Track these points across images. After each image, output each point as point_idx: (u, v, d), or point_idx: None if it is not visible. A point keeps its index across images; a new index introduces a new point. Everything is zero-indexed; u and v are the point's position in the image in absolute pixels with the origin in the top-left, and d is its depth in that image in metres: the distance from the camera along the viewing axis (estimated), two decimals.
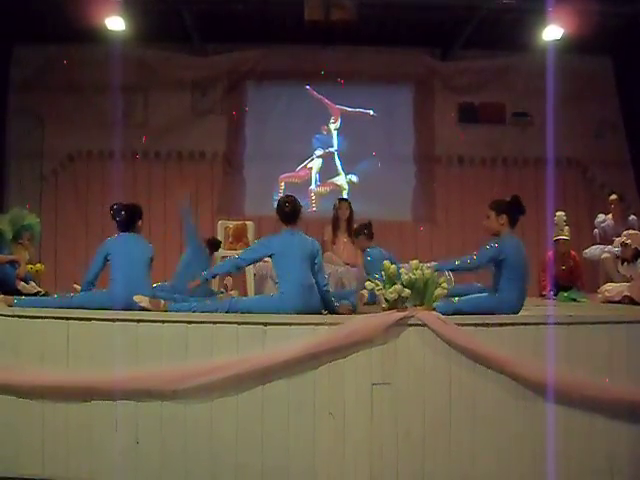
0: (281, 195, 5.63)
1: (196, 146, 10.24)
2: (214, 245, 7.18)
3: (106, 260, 5.26)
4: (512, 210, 5.16)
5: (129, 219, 5.39)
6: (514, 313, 4.91)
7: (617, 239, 7.33)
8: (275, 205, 5.28)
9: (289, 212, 5.18)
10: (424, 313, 4.59)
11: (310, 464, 4.51)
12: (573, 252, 8.16)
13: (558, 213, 8.08)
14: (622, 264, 7.01)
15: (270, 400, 4.54)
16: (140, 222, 5.46)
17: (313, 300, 5.05)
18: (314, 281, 5.10)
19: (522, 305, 5.05)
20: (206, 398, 4.52)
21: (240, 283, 7.86)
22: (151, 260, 5.38)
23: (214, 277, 5.92)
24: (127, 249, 5.26)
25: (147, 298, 4.98)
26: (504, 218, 5.12)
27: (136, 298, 4.95)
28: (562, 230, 8.02)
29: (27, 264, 6.98)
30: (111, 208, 5.41)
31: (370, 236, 6.77)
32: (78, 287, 5.59)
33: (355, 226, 7.21)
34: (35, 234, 7.49)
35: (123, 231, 5.36)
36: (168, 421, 4.56)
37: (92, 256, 5.32)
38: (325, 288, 5.24)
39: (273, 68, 10.23)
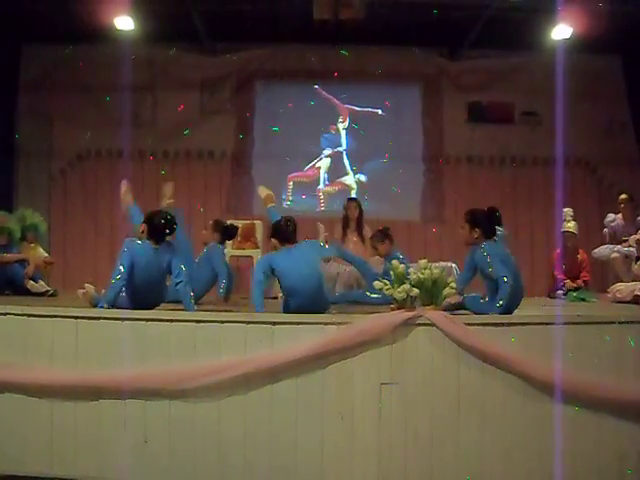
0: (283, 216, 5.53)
1: (204, 145, 10.24)
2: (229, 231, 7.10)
3: None
4: (486, 222, 5.19)
5: None
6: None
7: (632, 237, 7.31)
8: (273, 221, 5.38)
9: (293, 230, 5.29)
10: (433, 313, 4.59)
11: (318, 464, 4.51)
12: (581, 249, 8.14)
13: (565, 209, 8.06)
14: (636, 263, 6.97)
15: (278, 399, 4.54)
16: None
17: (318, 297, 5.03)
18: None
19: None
20: (214, 397, 4.53)
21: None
22: None
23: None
24: None
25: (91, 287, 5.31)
26: (477, 231, 5.14)
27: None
28: (566, 223, 8.01)
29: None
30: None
31: (391, 241, 6.72)
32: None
33: (373, 232, 7.04)
34: (39, 233, 7.51)
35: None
36: (176, 420, 4.57)
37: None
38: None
39: (282, 67, 10.23)
